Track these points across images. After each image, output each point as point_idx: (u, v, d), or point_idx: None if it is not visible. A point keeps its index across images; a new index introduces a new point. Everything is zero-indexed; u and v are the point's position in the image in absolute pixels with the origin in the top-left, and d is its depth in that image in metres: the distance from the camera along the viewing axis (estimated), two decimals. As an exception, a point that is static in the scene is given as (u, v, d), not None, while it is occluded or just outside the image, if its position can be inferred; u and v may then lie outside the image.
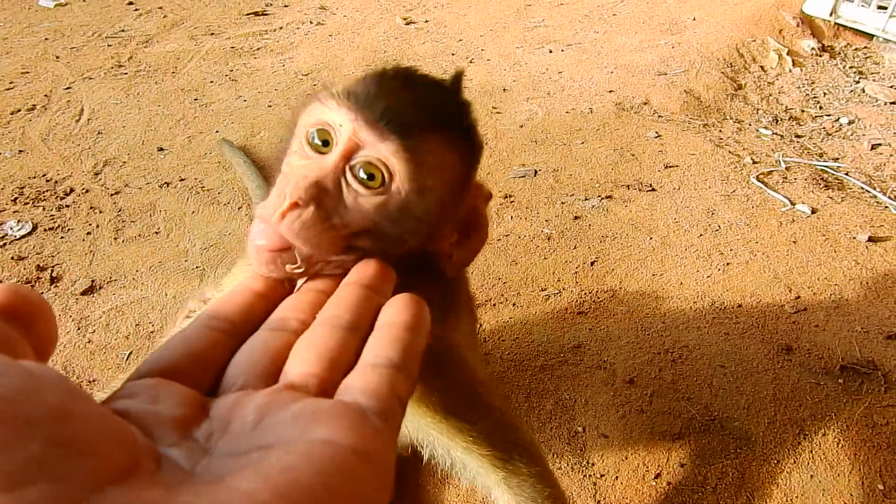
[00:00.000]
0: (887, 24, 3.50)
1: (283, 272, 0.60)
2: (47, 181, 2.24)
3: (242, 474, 0.34)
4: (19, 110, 2.66)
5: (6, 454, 0.29)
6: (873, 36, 3.63)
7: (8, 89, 2.82)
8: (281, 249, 0.60)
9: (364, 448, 0.37)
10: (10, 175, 2.25)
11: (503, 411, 0.93)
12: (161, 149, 2.44)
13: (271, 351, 0.48)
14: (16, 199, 2.13)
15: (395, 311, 0.50)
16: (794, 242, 1.97)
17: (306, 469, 0.35)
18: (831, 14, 3.61)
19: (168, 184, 2.25)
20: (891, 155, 2.79)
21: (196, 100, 2.81)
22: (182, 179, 2.27)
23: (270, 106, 2.77)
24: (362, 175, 0.62)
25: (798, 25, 3.66)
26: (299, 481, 0.34)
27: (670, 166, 2.39)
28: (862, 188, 2.46)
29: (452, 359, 0.87)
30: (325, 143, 0.64)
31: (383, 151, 0.62)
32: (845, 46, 3.68)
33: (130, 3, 3.82)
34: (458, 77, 0.70)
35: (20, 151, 2.39)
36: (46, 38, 3.33)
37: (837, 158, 2.72)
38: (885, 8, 3.49)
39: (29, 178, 2.25)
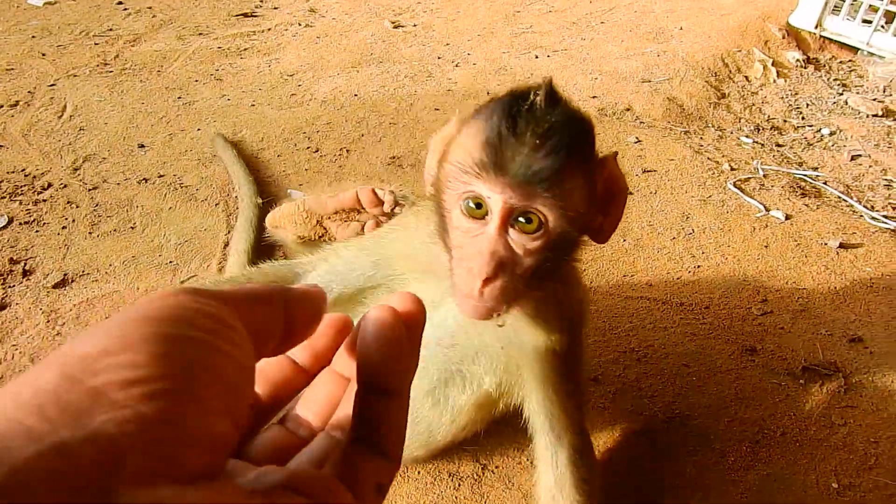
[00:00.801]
0: (871, 38, 3.53)
1: (496, 319, 0.81)
2: (25, 176, 2.24)
3: None
4: (1, 106, 2.67)
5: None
6: (858, 49, 3.66)
7: (-8, 85, 2.83)
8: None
9: None
10: (-12, 168, 2.26)
11: (582, 392, 1.09)
12: (142, 145, 2.45)
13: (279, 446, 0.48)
14: (-7, 191, 2.14)
15: (381, 353, 0.45)
16: (766, 247, 1.99)
17: None
18: (817, 27, 3.64)
19: (147, 180, 2.25)
20: (870, 166, 2.80)
21: (180, 98, 2.82)
22: (161, 176, 2.28)
23: (253, 105, 2.78)
24: (522, 221, 0.76)
25: (784, 37, 3.68)
26: None
27: (648, 171, 2.40)
28: (839, 197, 2.47)
29: (576, 331, 1.04)
30: (479, 206, 0.77)
31: (535, 205, 0.75)
32: (830, 59, 3.71)
33: (120, 3, 3.84)
34: (550, 86, 0.81)
35: (0, 146, 2.40)
36: (34, 36, 3.34)
37: (817, 168, 2.74)
38: (870, 22, 3.51)
39: (7, 172, 2.25)
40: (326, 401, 0.50)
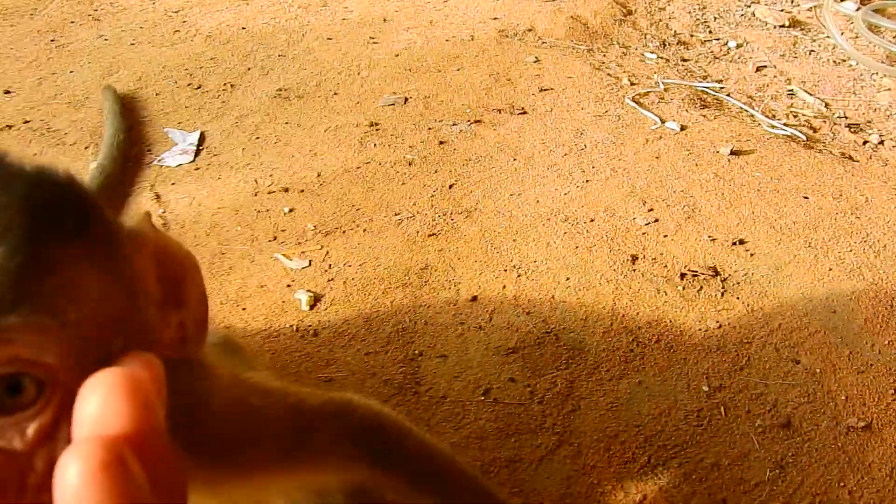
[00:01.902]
0: (778, -53, 3.47)
1: None
2: None
3: None
4: None
5: None
6: (767, -40, 3.60)
7: None
8: None
9: None
10: None
11: None
12: (7, 91, 2.27)
13: None
14: None
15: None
16: (657, 158, 1.94)
17: None
18: (724, -62, 3.56)
19: (10, 126, 2.10)
20: (775, 76, 2.78)
21: (53, 41, 2.62)
22: (27, 121, 2.12)
23: (133, 44, 2.61)
24: (6, 395, 0.36)
25: (693, -49, 3.61)
26: None
27: (545, 89, 2.33)
28: (740, 108, 2.44)
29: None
30: None
31: (16, 349, 0.36)
32: (740, -28, 3.65)
33: (-7, -56, 3.55)
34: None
35: None
36: None
37: (721, 80, 2.70)
38: (776, -70, 3.45)
39: None
40: None
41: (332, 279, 1.56)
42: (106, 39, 2.64)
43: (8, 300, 0.35)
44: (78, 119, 2.14)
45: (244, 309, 1.48)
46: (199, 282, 0.52)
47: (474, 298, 1.48)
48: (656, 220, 1.68)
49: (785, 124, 2.34)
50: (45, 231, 0.39)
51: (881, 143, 2.23)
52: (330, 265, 1.59)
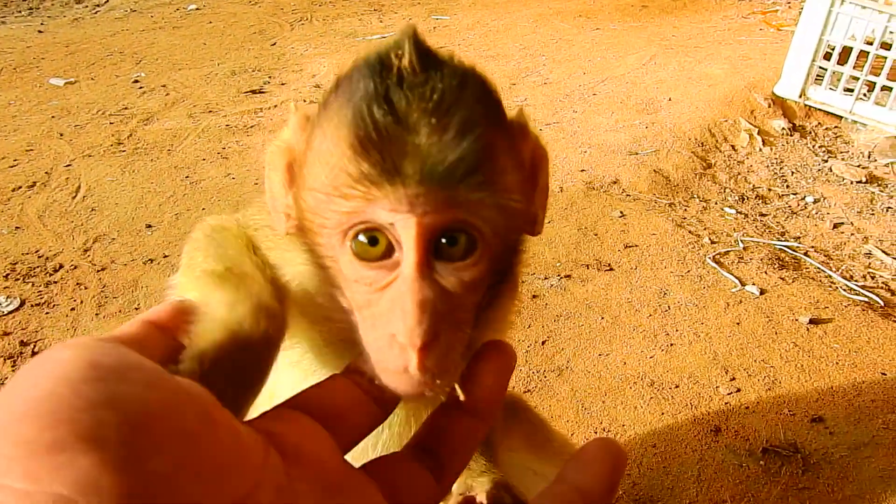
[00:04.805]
0: (854, 107, 3.65)
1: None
2: (39, 257, 2.38)
3: None
4: (20, 187, 2.83)
5: (138, 466, 0.31)
6: (843, 116, 3.78)
7: (11, 166, 3.00)
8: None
9: None
10: (4, 251, 2.40)
11: None
12: (149, 226, 2.59)
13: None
14: (7, 275, 2.27)
15: None
16: (738, 324, 2.07)
17: None
18: (801, 96, 3.77)
19: (152, 260, 2.38)
20: (852, 234, 2.89)
21: (187, 177, 2.97)
22: (166, 256, 2.41)
23: (257, 183, 2.93)
24: (444, 244, 0.51)
25: (770, 106, 3.81)
26: None
27: (630, 246, 2.51)
28: (818, 268, 2.56)
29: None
30: (375, 241, 0.51)
31: (463, 215, 0.50)
32: (816, 126, 3.83)
33: (136, 82, 4.04)
34: (416, 39, 0.52)
35: (17, 228, 2.55)
36: (53, 116, 3.54)
37: (799, 237, 2.83)
38: (852, 91, 3.64)
39: (22, 254, 2.39)
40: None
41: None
42: (233, 178, 2.97)
43: (472, 174, 0.49)
44: (210, 255, 2.41)
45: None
46: (547, 171, 0.64)
47: (567, 458, 1.61)
48: (738, 391, 1.80)
49: (862, 286, 2.44)
50: (493, 118, 0.53)
51: (959, 314, 2.30)
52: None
